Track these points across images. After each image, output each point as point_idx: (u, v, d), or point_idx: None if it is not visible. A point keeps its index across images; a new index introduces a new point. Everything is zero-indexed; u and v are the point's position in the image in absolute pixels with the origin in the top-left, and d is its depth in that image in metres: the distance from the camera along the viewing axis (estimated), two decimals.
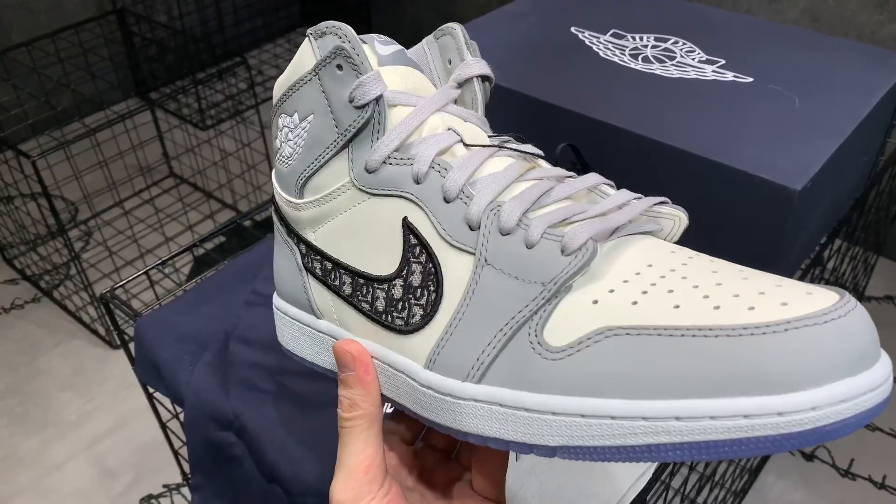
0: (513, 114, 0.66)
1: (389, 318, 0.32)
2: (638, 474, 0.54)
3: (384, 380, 0.33)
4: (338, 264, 0.34)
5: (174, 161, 1.61)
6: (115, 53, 1.71)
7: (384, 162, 0.32)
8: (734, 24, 0.74)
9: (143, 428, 1.13)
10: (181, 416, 0.67)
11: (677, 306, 0.26)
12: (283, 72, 0.36)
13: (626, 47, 0.70)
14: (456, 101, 0.35)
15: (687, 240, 0.32)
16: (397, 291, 0.32)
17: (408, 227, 0.31)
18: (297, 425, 0.55)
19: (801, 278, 0.70)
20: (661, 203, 0.32)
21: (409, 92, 0.33)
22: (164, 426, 0.75)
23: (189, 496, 1.02)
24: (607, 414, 0.26)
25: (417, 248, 0.31)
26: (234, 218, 0.78)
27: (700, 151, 0.57)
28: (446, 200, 0.31)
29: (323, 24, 0.32)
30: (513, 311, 0.28)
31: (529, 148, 0.33)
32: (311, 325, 0.37)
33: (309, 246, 0.35)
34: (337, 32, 0.32)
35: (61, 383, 1.20)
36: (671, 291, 0.26)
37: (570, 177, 0.32)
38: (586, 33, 0.73)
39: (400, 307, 0.32)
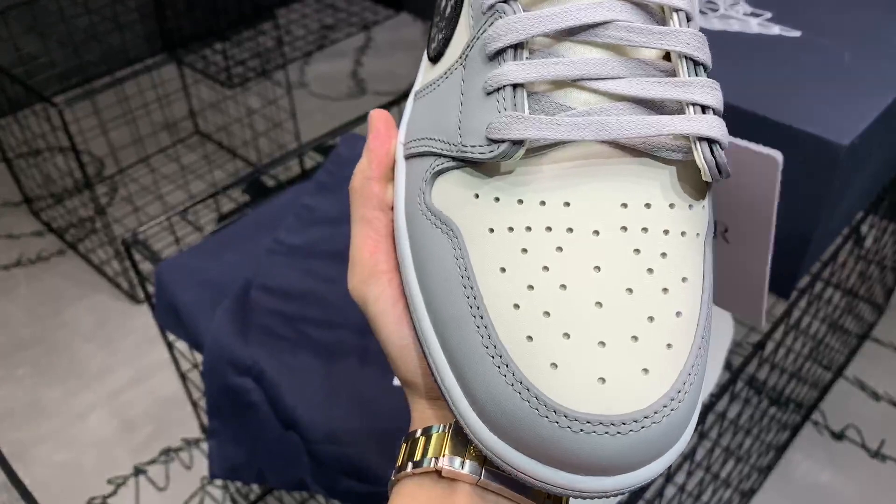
0: None
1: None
2: None
3: None
4: None
5: (199, 118, 1.60)
6: (142, 5, 1.69)
7: None
8: None
9: (164, 382, 1.13)
10: (200, 367, 0.66)
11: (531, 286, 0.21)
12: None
13: None
14: None
15: None
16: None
17: None
18: (315, 373, 0.54)
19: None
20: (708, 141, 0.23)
21: None
22: (183, 377, 0.75)
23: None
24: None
25: None
26: (258, 167, 0.76)
27: (741, 104, 0.55)
28: None
29: None
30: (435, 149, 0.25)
31: None
32: None
33: None
34: None
35: (85, 335, 1.21)
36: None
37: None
38: None
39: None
